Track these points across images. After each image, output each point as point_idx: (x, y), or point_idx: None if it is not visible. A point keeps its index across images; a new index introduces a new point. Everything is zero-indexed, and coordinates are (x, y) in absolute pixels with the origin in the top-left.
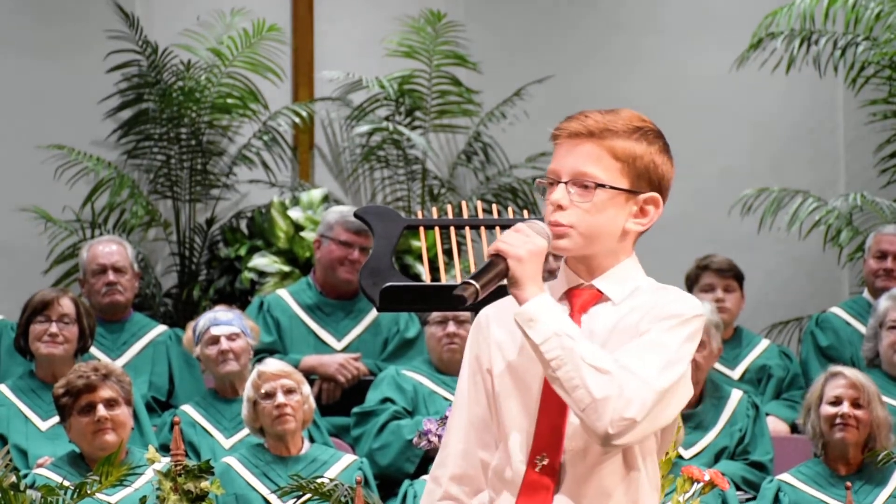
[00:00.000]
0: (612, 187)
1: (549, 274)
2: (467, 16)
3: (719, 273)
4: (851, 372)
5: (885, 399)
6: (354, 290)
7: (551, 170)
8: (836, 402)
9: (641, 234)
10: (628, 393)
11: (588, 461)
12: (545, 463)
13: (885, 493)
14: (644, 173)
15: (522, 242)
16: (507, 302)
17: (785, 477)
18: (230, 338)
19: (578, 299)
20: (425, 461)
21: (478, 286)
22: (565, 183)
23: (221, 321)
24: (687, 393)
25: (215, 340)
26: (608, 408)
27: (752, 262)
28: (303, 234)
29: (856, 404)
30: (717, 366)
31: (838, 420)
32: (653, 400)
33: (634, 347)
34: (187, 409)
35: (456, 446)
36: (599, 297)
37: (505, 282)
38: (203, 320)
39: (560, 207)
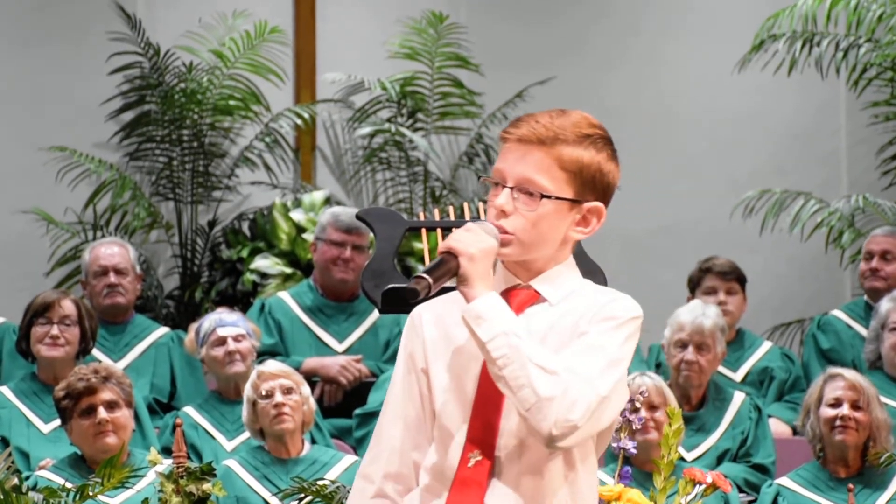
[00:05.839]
0: (557, 198)
1: None
2: (469, 18)
3: (722, 275)
4: (850, 374)
5: (887, 401)
6: (354, 292)
7: (497, 169)
8: (836, 404)
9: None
10: (573, 395)
11: (525, 460)
12: (478, 459)
13: (885, 496)
14: (590, 182)
15: (474, 241)
16: (440, 302)
17: (784, 481)
18: (237, 339)
19: (515, 299)
20: None
21: (430, 280)
22: (511, 188)
23: (227, 322)
24: (624, 396)
25: (222, 342)
26: (552, 408)
27: (754, 264)
28: (304, 235)
29: (855, 406)
30: (720, 368)
31: (838, 422)
32: (596, 403)
33: (576, 349)
34: (189, 411)
35: (390, 443)
36: (536, 297)
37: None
38: (207, 322)
39: (504, 213)
